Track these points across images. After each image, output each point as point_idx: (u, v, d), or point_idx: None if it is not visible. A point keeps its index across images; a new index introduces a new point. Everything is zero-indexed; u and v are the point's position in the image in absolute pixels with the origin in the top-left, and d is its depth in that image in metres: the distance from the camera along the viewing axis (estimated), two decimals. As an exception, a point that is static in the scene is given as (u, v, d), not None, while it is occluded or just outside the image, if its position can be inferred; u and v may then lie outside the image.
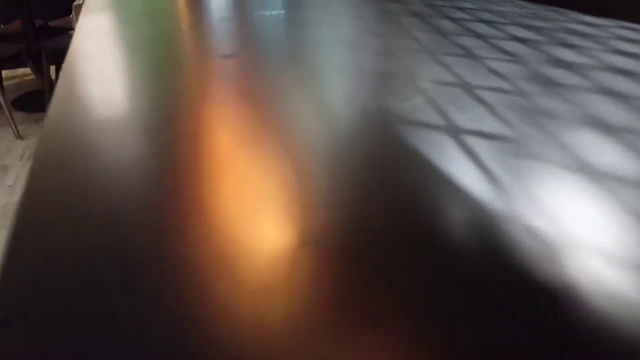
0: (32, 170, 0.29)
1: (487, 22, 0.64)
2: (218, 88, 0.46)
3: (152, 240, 0.25)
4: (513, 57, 0.53)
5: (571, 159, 0.34)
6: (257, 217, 0.27)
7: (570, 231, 0.25)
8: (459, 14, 0.68)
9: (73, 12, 1.56)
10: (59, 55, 3.01)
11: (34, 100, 3.06)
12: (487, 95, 0.45)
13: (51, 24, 3.23)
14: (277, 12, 0.80)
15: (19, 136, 2.65)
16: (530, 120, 0.40)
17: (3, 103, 2.63)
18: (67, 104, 0.41)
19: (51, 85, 2.95)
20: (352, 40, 0.63)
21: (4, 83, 3.32)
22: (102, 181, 0.29)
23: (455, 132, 0.39)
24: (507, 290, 0.21)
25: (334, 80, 0.49)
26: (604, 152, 0.35)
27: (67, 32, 3.02)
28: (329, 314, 0.20)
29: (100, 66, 0.51)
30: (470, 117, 0.41)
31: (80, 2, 1.10)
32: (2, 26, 3.27)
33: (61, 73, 0.49)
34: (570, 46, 0.55)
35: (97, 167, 0.31)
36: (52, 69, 3.21)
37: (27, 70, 3.44)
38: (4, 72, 3.42)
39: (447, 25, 0.65)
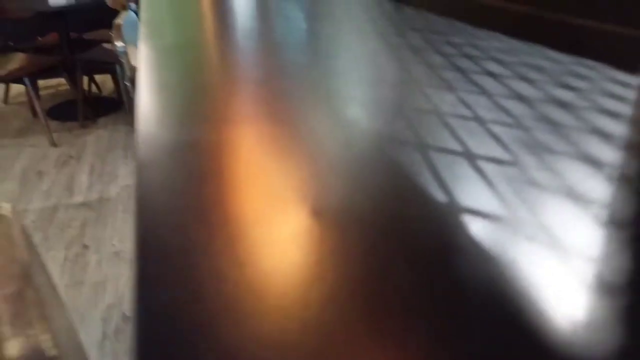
0: (139, 164, 0.42)
1: (468, 57, 0.74)
2: (247, 105, 0.58)
3: (213, 203, 0.36)
4: (480, 90, 0.63)
5: (498, 169, 0.44)
6: (283, 198, 0.37)
7: (457, 200, 0.35)
8: (448, 49, 0.78)
9: (113, 30, 1.71)
10: (92, 67, 3.19)
11: (68, 110, 3.25)
12: (452, 121, 0.55)
13: (85, 36, 3.42)
14: (296, 47, 0.92)
15: (54, 144, 2.82)
16: (477, 140, 0.50)
17: (40, 112, 2.82)
18: (149, 117, 0.54)
19: (84, 95, 3.14)
20: (356, 70, 0.74)
21: (40, 93, 3.52)
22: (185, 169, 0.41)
23: (423, 148, 0.49)
24: (447, 241, 0.31)
25: (340, 103, 0.60)
26: (531, 166, 0.45)
27: (99, 44, 3.20)
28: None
29: (162, 86, 0.64)
30: (435, 136, 0.52)
31: (120, 21, 1.23)
32: (39, 39, 3.48)
33: (137, 91, 0.61)
34: (526, 79, 0.65)
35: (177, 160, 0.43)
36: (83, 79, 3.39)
37: (62, 80, 3.65)
38: (40, 82, 3.63)
39: (436, 59, 0.75)
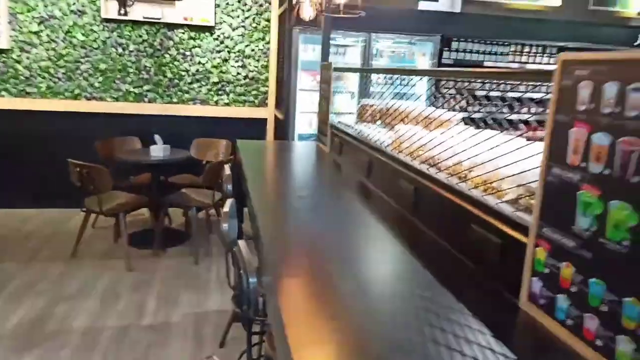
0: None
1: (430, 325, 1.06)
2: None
3: None
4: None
5: None
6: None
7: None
8: (420, 303, 1.09)
9: (222, 216, 2.23)
10: (172, 205, 3.80)
11: (144, 238, 3.80)
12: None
13: (170, 179, 4.11)
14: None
15: (130, 269, 3.32)
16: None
17: (126, 240, 3.37)
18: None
19: (163, 228, 3.70)
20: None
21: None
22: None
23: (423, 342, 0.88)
24: None
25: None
26: None
27: (180, 188, 3.85)
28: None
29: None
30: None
31: (226, 209, 1.67)
32: (132, 177, 4.20)
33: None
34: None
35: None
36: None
37: (139, 210, 4.26)
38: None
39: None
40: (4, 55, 4.23)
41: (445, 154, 1.41)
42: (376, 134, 2.01)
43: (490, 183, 1.19)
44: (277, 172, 2.44)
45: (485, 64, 4.22)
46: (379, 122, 2.47)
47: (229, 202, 1.65)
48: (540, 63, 4.34)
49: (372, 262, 1.26)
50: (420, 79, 4.46)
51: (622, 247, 0.70)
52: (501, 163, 1.18)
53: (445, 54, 4.14)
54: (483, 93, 4.27)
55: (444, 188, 1.34)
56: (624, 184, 0.69)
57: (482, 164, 1.23)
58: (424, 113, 1.90)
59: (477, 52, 4.18)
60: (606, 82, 0.72)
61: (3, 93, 4.28)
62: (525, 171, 1.09)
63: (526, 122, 3.28)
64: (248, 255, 1.20)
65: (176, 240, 3.88)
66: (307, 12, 2.33)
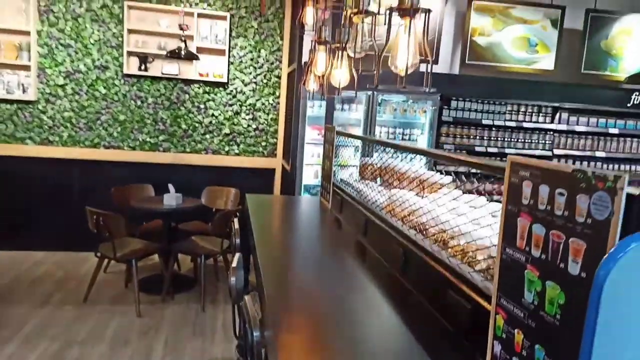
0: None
1: None
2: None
3: None
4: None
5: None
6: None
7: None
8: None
9: (230, 270, 2.39)
10: (182, 252, 3.96)
11: (153, 284, 3.93)
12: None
13: (181, 226, 4.29)
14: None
15: (139, 314, 3.44)
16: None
17: (136, 286, 3.51)
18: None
19: (172, 274, 3.84)
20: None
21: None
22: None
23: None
24: None
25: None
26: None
27: (191, 235, 4.02)
28: None
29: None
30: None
31: (234, 264, 1.83)
32: (144, 223, 4.38)
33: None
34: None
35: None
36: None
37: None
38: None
39: None
40: (30, 106, 4.53)
41: (431, 221, 1.58)
42: (373, 194, 2.18)
43: (467, 252, 1.35)
44: (282, 227, 2.61)
45: (484, 122, 4.44)
46: (378, 180, 2.65)
47: (237, 257, 1.81)
48: (537, 122, 4.55)
49: (363, 322, 1.40)
50: (422, 133, 4.69)
51: (555, 319, 0.85)
52: (476, 235, 1.34)
53: (445, 112, 4.37)
54: (482, 149, 4.46)
55: (427, 255, 1.50)
56: (554, 268, 0.85)
57: (462, 234, 1.39)
58: (418, 176, 2.08)
59: (475, 110, 4.41)
60: (540, 184, 0.89)
61: (27, 141, 4.56)
62: (495, 245, 1.25)
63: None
64: (253, 310, 1.35)
65: (184, 286, 4.01)
66: (312, 86, 2.58)
